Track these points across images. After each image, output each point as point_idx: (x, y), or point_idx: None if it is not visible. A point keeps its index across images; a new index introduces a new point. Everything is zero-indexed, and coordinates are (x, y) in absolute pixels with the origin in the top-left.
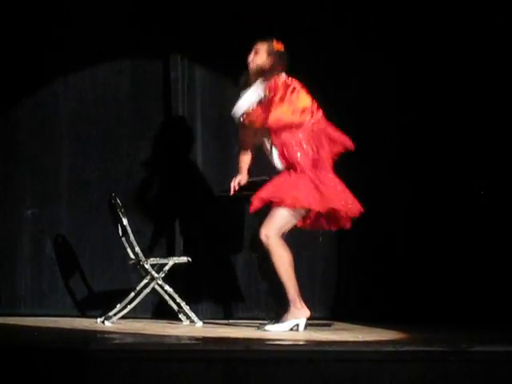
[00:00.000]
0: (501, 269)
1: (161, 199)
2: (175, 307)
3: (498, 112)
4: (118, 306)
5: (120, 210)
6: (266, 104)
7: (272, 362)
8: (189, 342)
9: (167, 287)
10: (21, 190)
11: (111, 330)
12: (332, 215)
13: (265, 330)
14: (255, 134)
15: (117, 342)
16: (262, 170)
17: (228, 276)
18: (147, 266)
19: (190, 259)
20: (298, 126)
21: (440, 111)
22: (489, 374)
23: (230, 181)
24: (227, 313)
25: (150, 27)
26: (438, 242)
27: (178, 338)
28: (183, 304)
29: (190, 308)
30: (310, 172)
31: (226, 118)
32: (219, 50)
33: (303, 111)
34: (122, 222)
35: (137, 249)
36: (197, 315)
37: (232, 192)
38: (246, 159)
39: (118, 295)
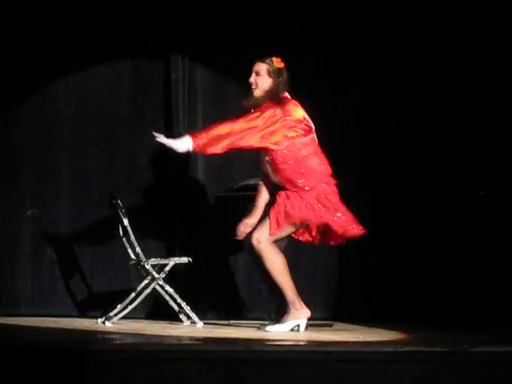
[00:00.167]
0: (501, 269)
1: (161, 199)
2: (176, 308)
3: (497, 112)
4: (119, 307)
5: (120, 210)
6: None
7: (273, 362)
8: (189, 342)
9: (168, 287)
10: (21, 191)
11: (112, 330)
12: (328, 231)
13: (265, 331)
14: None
15: (117, 342)
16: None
17: (228, 276)
18: (148, 267)
19: (190, 260)
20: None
21: (440, 111)
22: (490, 374)
23: (231, 182)
24: (228, 313)
25: (150, 27)
26: (438, 242)
27: (178, 338)
28: (184, 304)
29: (191, 308)
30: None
31: (226, 119)
32: (219, 50)
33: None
34: (122, 222)
35: (137, 249)
36: (197, 316)
37: (241, 238)
38: (261, 202)
39: (119, 295)
